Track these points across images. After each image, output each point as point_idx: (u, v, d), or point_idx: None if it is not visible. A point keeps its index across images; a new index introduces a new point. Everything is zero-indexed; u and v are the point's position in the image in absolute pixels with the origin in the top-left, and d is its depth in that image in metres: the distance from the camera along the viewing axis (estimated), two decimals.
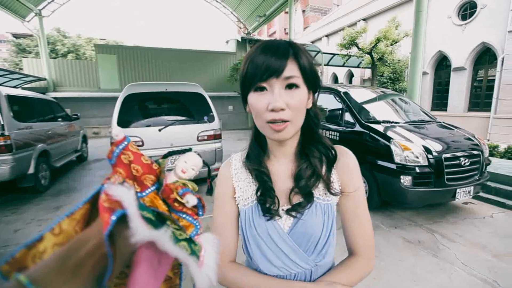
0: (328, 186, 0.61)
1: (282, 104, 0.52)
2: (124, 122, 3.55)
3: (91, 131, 12.35)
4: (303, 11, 30.18)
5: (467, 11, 8.86)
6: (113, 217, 0.29)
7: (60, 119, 5.64)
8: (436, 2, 9.09)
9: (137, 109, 3.80)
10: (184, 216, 0.43)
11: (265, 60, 0.52)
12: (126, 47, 14.09)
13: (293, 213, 0.60)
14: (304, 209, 0.60)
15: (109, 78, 13.02)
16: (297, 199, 0.61)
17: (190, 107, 4.14)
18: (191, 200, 0.39)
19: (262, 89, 0.54)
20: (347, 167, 0.65)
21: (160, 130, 3.62)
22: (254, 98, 0.55)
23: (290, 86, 0.54)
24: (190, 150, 0.48)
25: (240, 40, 15.36)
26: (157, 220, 0.33)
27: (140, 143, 3.53)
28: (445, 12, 9.31)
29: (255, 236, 0.61)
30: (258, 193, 0.61)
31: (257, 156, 0.64)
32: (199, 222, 0.43)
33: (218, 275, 0.58)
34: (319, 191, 0.62)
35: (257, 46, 0.56)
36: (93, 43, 19.84)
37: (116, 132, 0.39)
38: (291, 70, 0.53)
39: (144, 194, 0.42)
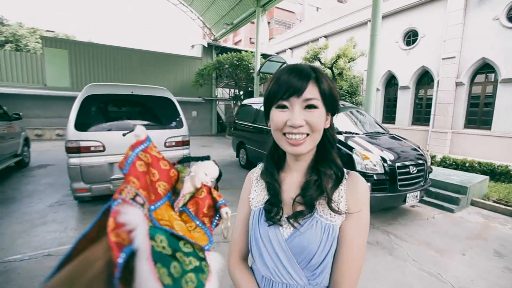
0: (329, 202, 0.61)
1: (301, 121, 0.57)
2: (82, 125, 3.24)
3: (33, 133, 10.92)
4: (268, 22, 31.26)
5: (411, 38, 10.18)
6: (120, 260, 0.27)
7: None
8: (386, 28, 10.24)
9: (99, 111, 3.51)
10: (201, 225, 0.43)
11: (288, 80, 0.57)
12: (79, 43, 12.86)
13: (292, 221, 0.61)
14: (304, 219, 0.61)
15: (58, 75, 11.72)
16: (300, 208, 0.64)
17: (158, 112, 3.96)
18: (229, 212, 0.40)
19: (284, 107, 0.59)
20: (356, 188, 0.64)
21: (124, 135, 3.38)
22: (275, 113, 0.60)
23: (309, 107, 0.58)
24: (208, 158, 0.48)
25: (206, 45, 15.25)
26: (170, 247, 0.32)
27: (101, 148, 3.26)
28: (393, 37, 10.55)
29: (257, 238, 0.65)
30: (268, 202, 0.66)
31: (270, 170, 0.69)
32: (212, 237, 0.43)
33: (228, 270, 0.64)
34: (323, 208, 0.62)
35: (283, 68, 0.61)
36: (39, 35, 17.74)
37: (139, 132, 0.36)
38: (311, 92, 0.58)
39: (156, 206, 0.40)
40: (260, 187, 0.71)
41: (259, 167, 0.75)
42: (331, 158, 0.66)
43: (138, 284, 0.25)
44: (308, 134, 0.59)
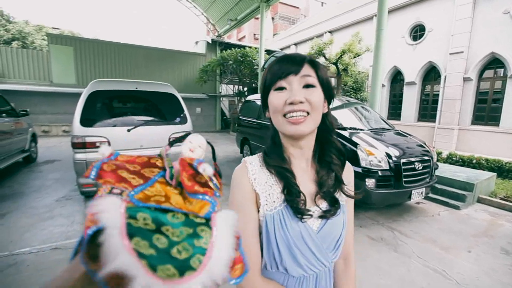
0: (343, 189, 0.66)
1: (301, 97, 0.57)
2: (87, 120, 3.27)
3: (40, 129, 11.07)
4: (272, 18, 30.98)
5: (418, 33, 10.00)
6: (89, 231, 0.26)
7: (4, 115, 4.97)
8: (392, 22, 10.07)
9: (104, 107, 3.53)
10: (199, 197, 0.41)
11: (284, 65, 0.59)
12: (85, 39, 12.93)
13: (326, 217, 0.63)
14: (334, 214, 0.64)
15: (64, 72, 11.82)
16: (321, 202, 0.64)
17: (162, 108, 3.98)
18: (207, 168, 0.38)
19: (282, 88, 0.59)
20: (350, 173, 0.73)
21: (129, 130, 3.41)
22: (273, 96, 0.60)
23: (308, 86, 0.59)
24: (189, 133, 0.47)
25: (210, 42, 15.20)
26: (154, 223, 0.31)
27: (106, 144, 3.29)
28: (399, 32, 10.37)
29: (287, 239, 0.59)
30: (285, 191, 0.60)
31: (278, 153, 0.64)
32: (215, 199, 0.41)
33: None
34: (337, 193, 0.67)
35: (275, 59, 0.62)
36: (45, 32, 17.89)
37: (103, 151, 0.36)
38: (308, 70, 0.59)
39: (148, 184, 0.39)
40: (266, 186, 0.62)
41: (250, 163, 0.65)
42: (334, 145, 0.68)
43: (106, 256, 0.24)
44: (308, 113, 0.58)
